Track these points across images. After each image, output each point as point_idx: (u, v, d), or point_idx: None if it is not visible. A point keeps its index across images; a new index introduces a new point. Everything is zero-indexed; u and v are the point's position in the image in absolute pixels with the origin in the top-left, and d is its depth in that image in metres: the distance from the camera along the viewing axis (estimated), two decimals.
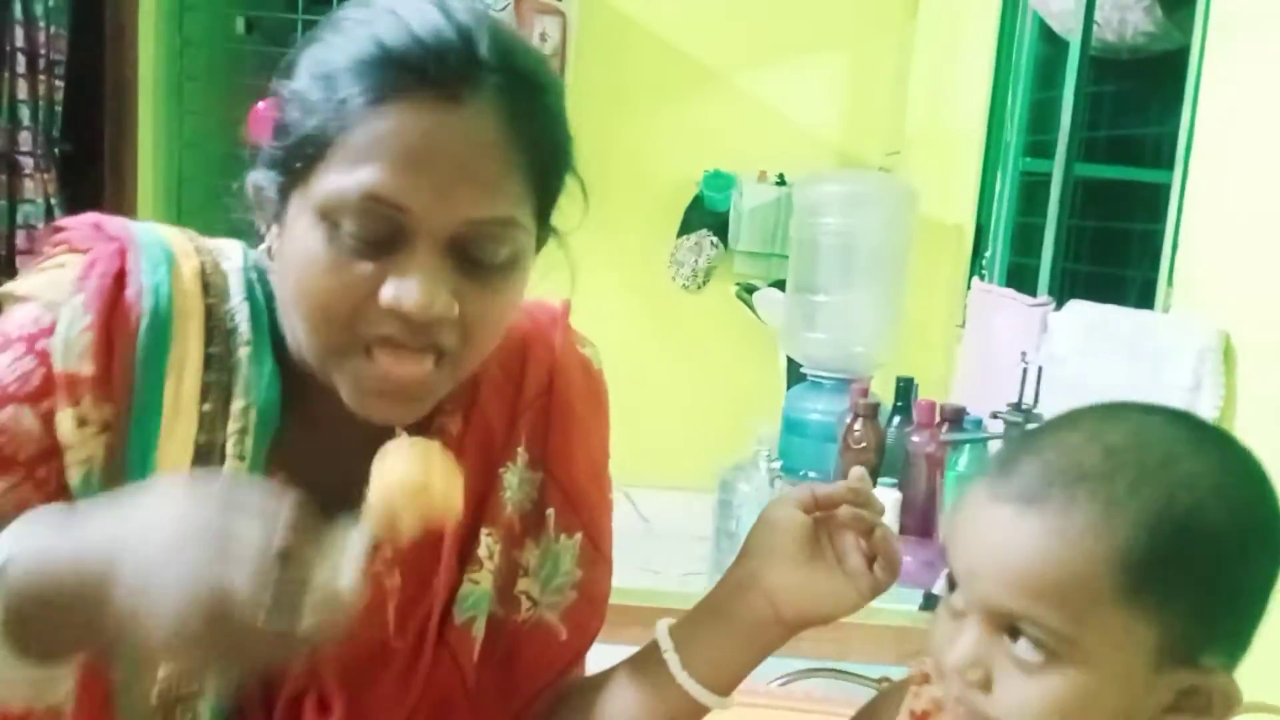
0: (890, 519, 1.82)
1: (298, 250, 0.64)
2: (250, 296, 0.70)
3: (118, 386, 0.65)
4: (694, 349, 4.00)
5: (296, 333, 0.68)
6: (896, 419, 2.00)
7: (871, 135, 3.84)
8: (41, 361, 0.65)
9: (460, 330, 0.64)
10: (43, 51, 3.22)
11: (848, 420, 2.00)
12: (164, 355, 0.66)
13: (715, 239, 3.92)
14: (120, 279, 0.67)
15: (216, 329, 0.68)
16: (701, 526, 3.52)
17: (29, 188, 3.22)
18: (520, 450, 0.76)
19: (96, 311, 0.65)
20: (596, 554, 0.79)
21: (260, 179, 0.68)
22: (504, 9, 3.68)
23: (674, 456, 3.92)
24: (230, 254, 0.73)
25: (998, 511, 0.58)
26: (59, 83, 3.31)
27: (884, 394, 2.09)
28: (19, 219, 3.22)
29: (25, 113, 3.19)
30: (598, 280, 3.87)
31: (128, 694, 0.65)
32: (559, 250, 0.75)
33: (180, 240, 0.72)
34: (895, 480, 1.88)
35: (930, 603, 1.57)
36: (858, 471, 0.76)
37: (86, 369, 0.64)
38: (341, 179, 0.61)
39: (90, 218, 0.72)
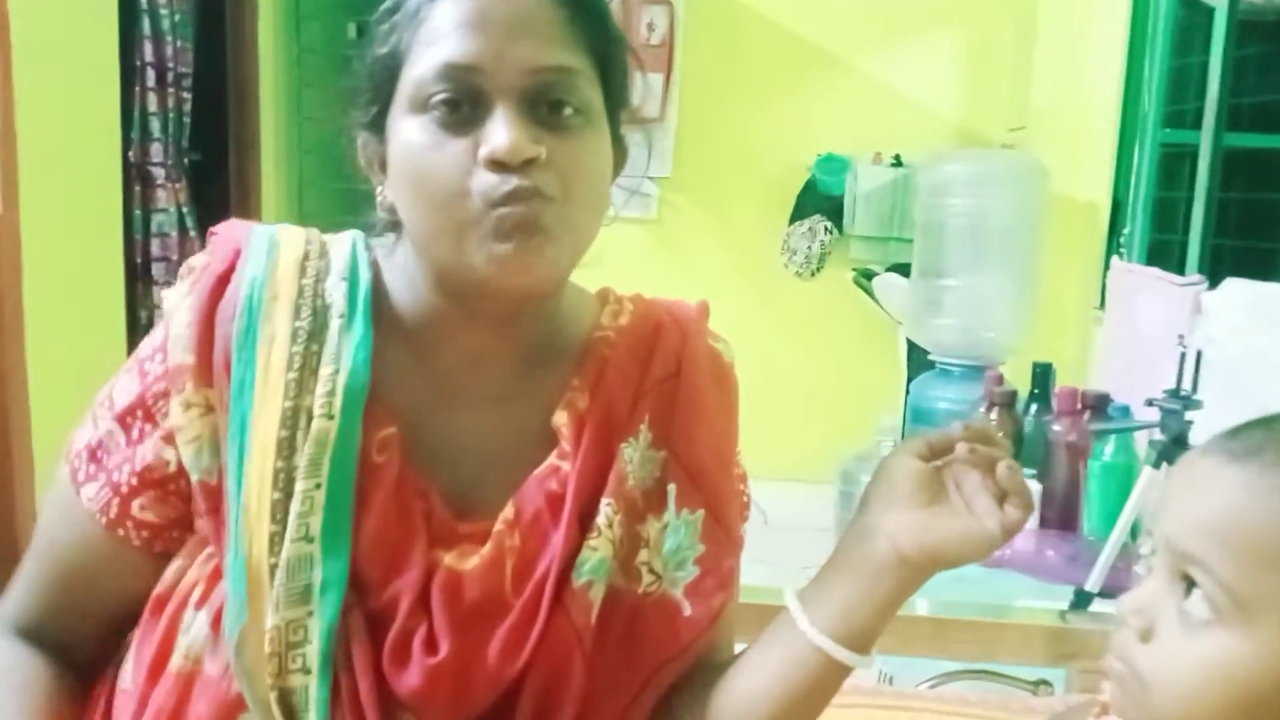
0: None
1: (402, 154, 0.72)
2: (351, 276, 0.77)
3: (218, 372, 0.72)
4: (809, 337, 3.93)
5: (428, 259, 0.74)
6: (1034, 407, 1.92)
7: (992, 111, 3.71)
8: (143, 381, 0.75)
9: (556, 177, 0.69)
10: (170, 65, 3.33)
11: (982, 409, 1.93)
12: (254, 336, 0.73)
13: (829, 224, 3.84)
14: (227, 276, 0.75)
15: (304, 305, 0.74)
16: (821, 519, 3.47)
17: (161, 197, 3.35)
18: (643, 428, 0.78)
19: (200, 309, 0.74)
20: (720, 530, 0.79)
21: (363, 132, 0.77)
22: (611, 1, 3.67)
23: (790, 447, 3.87)
24: (342, 240, 0.80)
25: (1205, 461, 0.60)
26: (186, 95, 3.42)
27: (1018, 381, 2.01)
28: (153, 227, 3.34)
29: (155, 125, 3.31)
30: (710, 268, 3.89)
31: (241, 644, 0.69)
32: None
33: (293, 234, 0.79)
34: (1035, 471, 1.80)
35: (1082, 601, 1.49)
36: (978, 417, 0.74)
37: (189, 359, 0.73)
38: (421, 67, 0.70)
39: (228, 223, 0.80)
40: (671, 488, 0.78)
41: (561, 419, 0.76)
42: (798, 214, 3.88)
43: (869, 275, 3.46)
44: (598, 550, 0.74)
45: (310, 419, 0.71)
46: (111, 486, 0.75)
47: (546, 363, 0.79)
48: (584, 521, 0.75)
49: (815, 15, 3.78)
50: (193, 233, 3.45)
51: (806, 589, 0.76)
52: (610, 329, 0.81)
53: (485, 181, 0.68)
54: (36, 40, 2.75)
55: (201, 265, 0.77)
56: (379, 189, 0.77)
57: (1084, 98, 2.80)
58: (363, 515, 0.71)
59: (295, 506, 0.69)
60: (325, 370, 0.72)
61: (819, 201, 3.84)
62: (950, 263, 2.31)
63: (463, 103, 0.69)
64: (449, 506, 0.74)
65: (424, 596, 0.71)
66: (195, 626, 0.72)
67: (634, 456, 0.77)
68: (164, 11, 3.27)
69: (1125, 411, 1.79)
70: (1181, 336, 1.44)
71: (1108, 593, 1.51)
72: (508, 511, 0.73)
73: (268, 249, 0.76)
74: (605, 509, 0.75)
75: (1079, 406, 1.80)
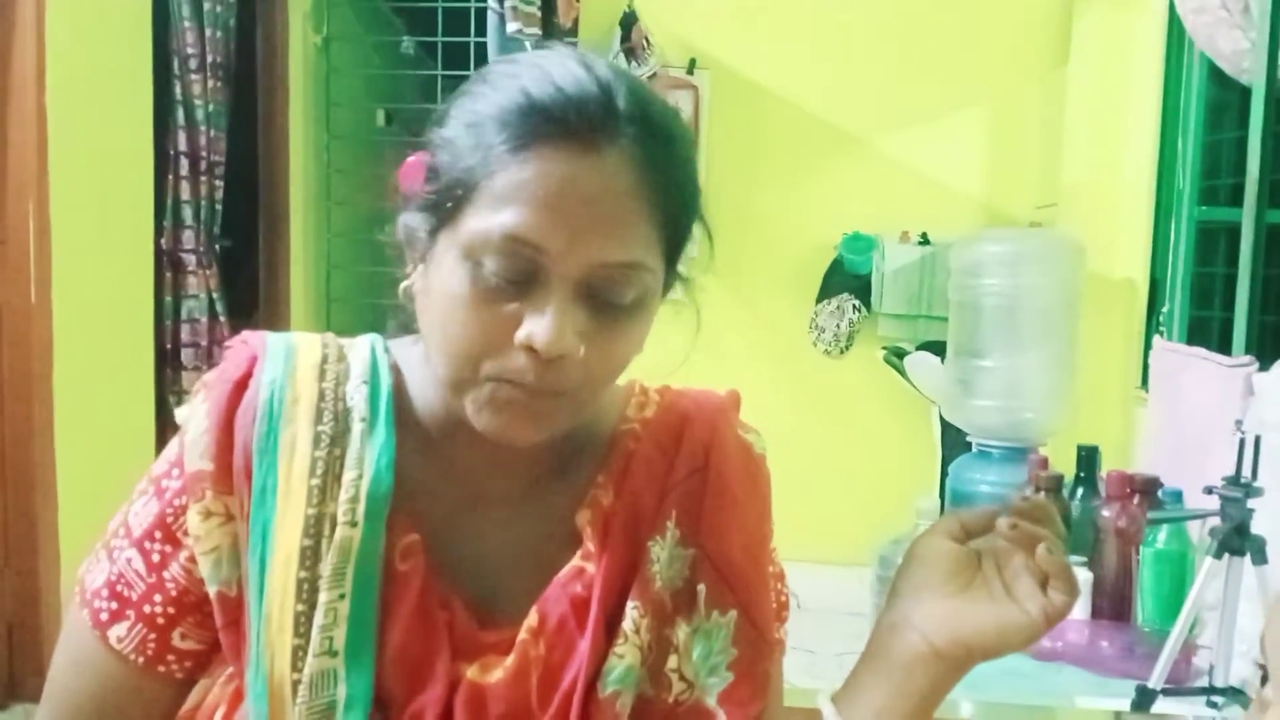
0: (1080, 600, 1.68)
1: (443, 286, 0.68)
2: (372, 379, 0.75)
3: (238, 478, 0.70)
4: (839, 416, 3.89)
5: (437, 374, 0.71)
6: (1081, 491, 1.87)
7: (1020, 189, 3.71)
8: (161, 500, 0.72)
9: (586, 370, 0.67)
10: (204, 154, 3.38)
11: (1027, 492, 1.87)
12: (276, 441, 0.71)
13: (857, 302, 3.82)
14: (244, 382, 0.73)
15: (326, 410, 0.72)
16: (855, 603, 3.38)
17: (192, 284, 3.37)
18: (670, 525, 0.75)
19: (216, 414, 0.72)
20: (754, 632, 0.75)
21: (412, 220, 0.72)
22: None
23: (823, 530, 3.79)
24: (361, 344, 0.78)
25: None
26: (219, 182, 3.47)
27: (1060, 463, 1.96)
28: (183, 314, 3.37)
29: (188, 212, 3.35)
30: (737, 348, 3.87)
31: None
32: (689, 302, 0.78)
33: (310, 340, 0.77)
34: (1084, 559, 1.74)
35: (1146, 700, 1.42)
36: (1027, 495, 0.70)
37: (207, 466, 0.71)
38: (486, 220, 0.65)
39: (242, 334, 0.78)
40: (701, 588, 0.74)
41: (585, 517, 0.74)
42: (824, 293, 3.87)
43: (900, 354, 3.43)
44: (625, 658, 0.71)
45: (334, 526, 0.69)
46: (145, 621, 0.71)
47: (571, 460, 0.77)
48: (610, 626, 0.72)
49: (838, 96, 3.82)
50: (222, 318, 3.47)
51: (841, 691, 0.72)
52: (635, 421, 0.79)
53: (509, 359, 0.66)
54: (73, 131, 2.80)
55: (216, 374, 0.75)
56: (408, 274, 0.74)
57: (1117, 175, 2.79)
58: (387, 627, 0.69)
59: (319, 619, 0.67)
60: (349, 476, 0.70)
61: (846, 280, 3.83)
62: (986, 343, 2.27)
63: (516, 276, 0.65)
64: (472, 614, 0.72)
65: (447, 712, 0.68)
66: None
67: (661, 555, 0.74)
68: (198, 102, 3.33)
69: (1177, 496, 1.73)
70: (1239, 421, 1.39)
71: (1171, 689, 1.44)
72: (531, 619, 0.71)
73: (285, 354, 0.75)
74: (631, 613, 0.72)
75: (1129, 491, 1.74)
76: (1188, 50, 2.45)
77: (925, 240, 3.72)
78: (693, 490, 0.76)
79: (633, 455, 0.76)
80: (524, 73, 0.67)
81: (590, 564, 0.73)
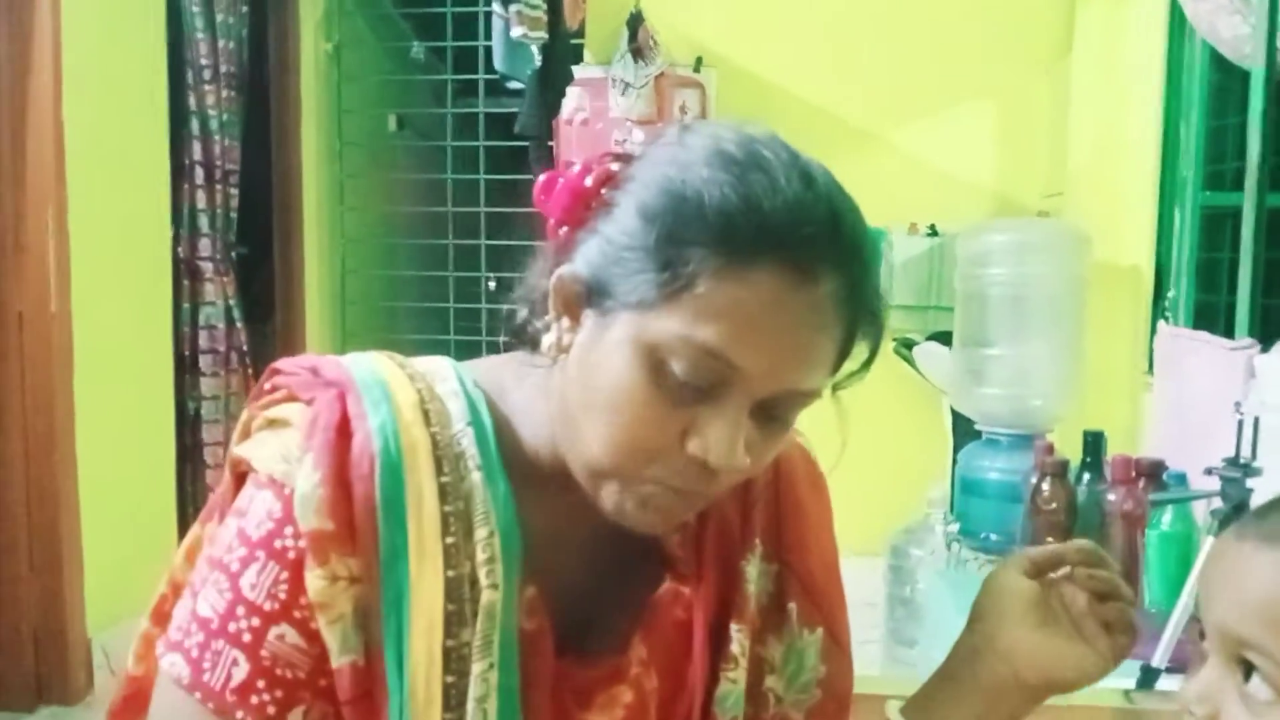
0: None
1: (612, 372, 0.63)
2: (475, 419, 0.68)
3: (363, 537, 0.64)
4: (851, 409, 3.89)
5: (569, 441, 0.67)
6: (1087, 476, 1.88)
7: (1027, 178, 3.72)
8: (282, 564, 0.64)
9: (740, 474, 0.66)
10: (218, 163, 3.43)
11: (1033, 479, 1.89)
12: (402, 495, 0.65)
13: None
14: (345, 428, 0.66)
15: (444, 458, 0.66)
16: (867, 592, 3.38)
17: (209, 291, 3.42)
18: (756, 542, 0.75)
19: (326, 466, 0.64)
20: (837, 649, 0.77)
21: (578, 277, 0.66)
22: (644, 86, 3.74)
23: (837, 520, 3.80)
24: (444, 375, 0.71)
25: (1241, 546, 0.61)
26: (234, 190, 3.51)
27: (1068, 449, 1.97)
28: (201, 320, 3.41)
29: (204, 220, 3.40)
30: None
31: None
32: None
33: (393, 371, 0.70)
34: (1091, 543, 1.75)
35: (1149, 678, 1.43)
36: (1083, 543, 0.74)
37: (328, 526, 0.64)
38: (688, 327, 0.60)
39: (306, 361, 0.72)
40: (792, 607, 0.75)
41: (675, 540, 0.73)
42: None
43: (909, 344, 3.44)
44: (736, 682, 0.71)
45: (474, 589, 0.64)
46: (324, 697, 0.65)
47: None
48: (716, 648, 0.72)
49: (844, 91, 3.83)
50: (240, 324, 3.52)
51: (913, 704, 0.73)
52: None
53: (676, 464, 0.63)
54: (90, 142, 2.85)
55: (308, 418, 0.67)
56: (554, 324, 0.67)
57: (1121, 162, 2.80)
58: (526, 689, 0.66)
59: (474, 690, 0.63)
60: (480, 533, 0.65)
61: None
62: (993, 332, 2.28)
63: (697, 385, 0.62)
64: (573, 651, 0.70)
65: None
66: None
67: (752, 574, 0.74)
68: (212, 111, 3.38)
69: (1181, 479, 1.74)
70: (1239, 403, 1.41)
71: (1175, 668, 1.45)
72: (640, 650, 0.69)
73: (382, 394, 0.67)
74: (737, 635, 0.72)
75: (1134, 475, 1.75)
76: (1189, 37, 2.46)
77: (934, 232, 3.73)
78: (769, 504, 0.77)
79: None
80: (749, 175, 0.62)
81: (686, 587, 0.71)
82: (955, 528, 2.21)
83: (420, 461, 0.65)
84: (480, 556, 0.65)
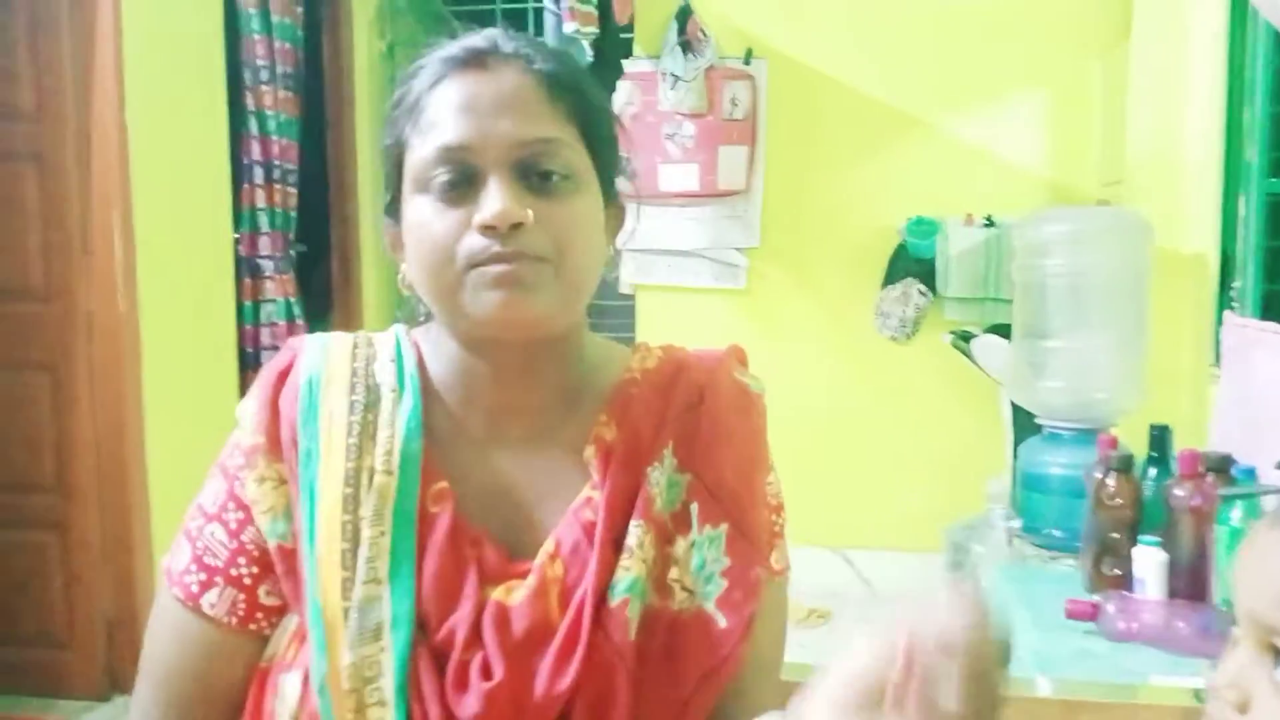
0: (1157, 582, 1.67)
1: (411, 229, 0.80)
2: (398, 355, 0.85)
3: (286, 448, 0.81)
4: (906, 402, 3.87)
5: (438, 314, 0.82)
6: (1153, 471, 1.85)
7: (1085, 167, 3.66)
8: (226, 478, 0.83)
9: (547, 238, 0.77)
10: (277, 162, 3.49)
11: (1098, 475, 1.86)
12: (315, 412, 0.81)
13: (923, 287, 3.80)
14: (286, 372, 0.84)
15: (359, 384, 0.83)
16: (928, 588, 3.37)
17: (270, 288, 3.48)
18: (667, 453, 0.83)
19: (263, 395, 0.83)
20: (744, 543, 0.83)
21: (385, 218, 0.86)
22: (694, 79, 3.73)
23: (893, 515, 3.78)
24: (386, 333, 0.89)
25: (1272, 534, 0.62)
26: (292, 190, 3.56)
27: (1132, 443, 1.94)
28: (262, 317, 3.48)
29: (264, 219, 3.46)
30: (802, 337, 3.86)
31: (323, 687, 0.75)
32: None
33: (343, 335, 0.88)
34: (1158, 539, 1.72)
35: None
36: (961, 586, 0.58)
37: (259, 439, 0.82)
38: (421, 151, 0.78)
39: (289, 339, 0.91)
40: (694, 507, 0.83)
41: (590, 452, 0.83)
42: (889, 278, 3.85)
43: (966, 337, 3.40)
44: (630, 570, 0.79)
45: (371, 477, 0.79)
46: (234, 584, 0.81)
47: (578, 407, 0.85)
48: (617, 545, 0.80)
49: (898, 80, 3.79)
50: (300, 320, 3.58)
51: None
52: (637, 371, 0.87)
53: (473, 244, 0.76)
54: (153, 145, 2.91)
55: (264, 369, 0.86)
56: (401, 268, 0.85)
57: (1183, 149, 2.74)
58: (422, 559, 0.78)
59: (364, 552, 0.77)
60: (382, 434, 0.81)
61: (910, 265, 3.80)
62: (1053, 323, 2.25)
63: (459, 180, 0.77)
64: (500, 549, 0.80)
65: (477, 628, 0.77)
66: (288, 689, 0.78)
67: (660, 480, 0.82)
68: (270, 112, 3.43)
69: (1250, 474, 1.71)
70: None
71: None
72: (548, 545, 0.80)
73: (321, 346, 0.86)
74: (635, 530, 0.80)
75: (1201, 470, 1.72)
76: (1251, 20, 2.41)
77: (990, 222, 3.68)
78: (689, 424, 0.85)
79: (633, 398, 0.85)
80: (439, 41, 0.83)
81: (597, 493, 0.81)
82: (1017, 524, 2.19)
83: (335, 389, 0.82)
84: (379, 451, 0.80)
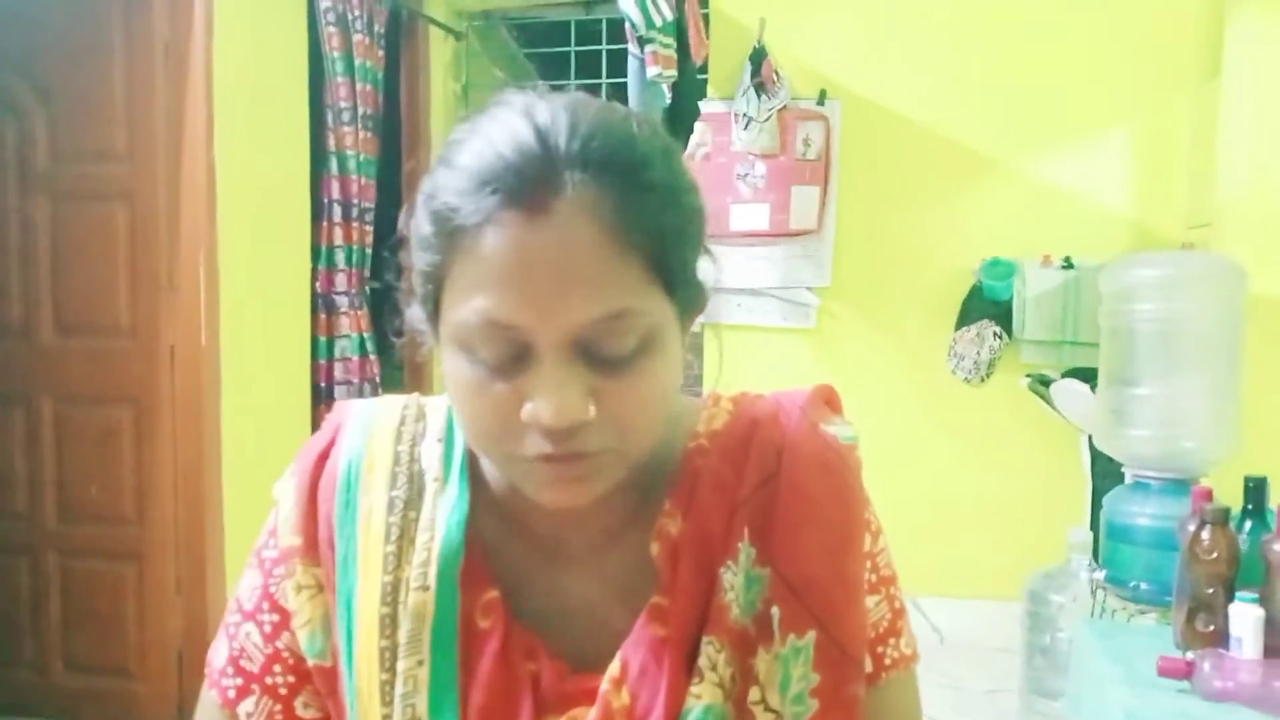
0: (1254, 640, 1.60)
1: (450, 376, 0.66)
2: (447, 436, 0.74)
3: (323, 550, 0.72)
4: (981, 446, 3.79)
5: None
6: (1249, 524, 1.78)
7: (1168, 208, 3.57)
8: (261, 572, 0.75)
9: (611, 426, 0.63)
10: (355, 201, 3.55)
11: (1191, 527, 1.79)
12: (354, 510, 0.72)
13: (998, 329, 3.73)
14: (327, 453, 0.75)
15: (401, 473, 0.73)
16: (1002, 638, 3.28)
17: (344, 324, 3.53)
18: (743, 545, 0.70)
19: (298, 487, 0.74)
20: (837, 651, 0.69)
21: (414, 314, 0.70)
22: (767, 120, 3.73)
23: (968, 562, 3.70)
24: (439, 403, 0.77)
25: None
26: (369, 228, 3.63)
27: (1225, 495, 1.87)
28: (336, 352, 3.53)
29: (340, 257, 3.52)
30: (873, 377, 3.81)
31: None
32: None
33: (392, 404, 0.77)
34: (1255, 596, 1.65)
35: None
36: None
37: (296, 540, 0.73)
38: (462, 310, 0.63)
39: (336, 404, 0.80)
40: (775, 611, 0.69)
41: (655, 550, 0.70)
42: (963, 319, 3.79)
43: (1045, 381, 3.32)
44: (702, 698, 0.68)
45: (409, 592, 0.69)
46: (269, 693, 0.74)
47: (643, 491, 0.73)
48: (690, 662, 0.69)
49: (972, 118, 3.75)
50: (372, 356, 3.62)
51: None
52: (704, 436, 0.74)
53: (526, 441, 0.63)
54: (239, 184, 2.99)
55: (305, 448, 0.76)
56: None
57: (1278, 190, 2.65)
58: (470, 688, 0.69)
59: (399, 687, 0.68)
60: (421, 538, 0.71)
61: (986, 307, 3.74)
62: (1141, 370, 2.19)
63: (506, 357, 0.63)
64: (558, 665, 0.70)
65: None
66: None
67: (735, 582, 0.69)
68: (350, 152, 3.50)
69: None
70: None
71: None
72: (613, 668, 0.69)
73: (365, 421, 0.75)
74: (706, 648, 0.68)
75: None
76: None
77: (1069, 264, 3.60)
78: (764, 501, 0.71)
79: (699, 474, 0.72)
80: (470, 142, 0.63)
81: (667, 600, 0.69)
82: (1101, 575, 2.12)
83: (376, 479, 0.72)
84: (416, 560, 0.70)
